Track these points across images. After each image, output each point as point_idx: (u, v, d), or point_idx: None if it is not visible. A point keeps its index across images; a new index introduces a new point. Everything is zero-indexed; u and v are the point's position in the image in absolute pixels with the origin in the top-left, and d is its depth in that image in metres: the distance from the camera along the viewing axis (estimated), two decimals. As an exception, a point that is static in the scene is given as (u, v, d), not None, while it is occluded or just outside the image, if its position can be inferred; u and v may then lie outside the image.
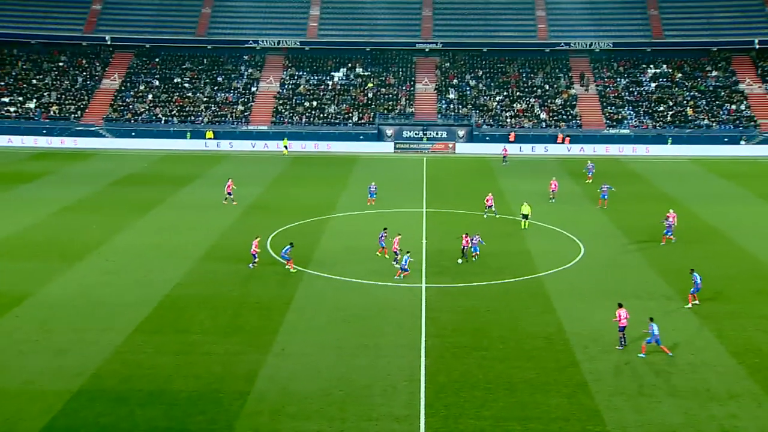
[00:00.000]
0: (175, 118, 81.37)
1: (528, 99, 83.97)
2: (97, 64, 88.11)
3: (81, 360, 27.06)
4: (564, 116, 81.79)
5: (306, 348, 28.51)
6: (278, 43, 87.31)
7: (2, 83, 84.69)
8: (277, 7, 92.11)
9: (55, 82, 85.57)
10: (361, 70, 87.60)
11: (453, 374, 26.40)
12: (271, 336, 29.46)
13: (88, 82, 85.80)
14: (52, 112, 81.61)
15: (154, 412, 23.61)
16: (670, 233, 42.56)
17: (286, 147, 75.45)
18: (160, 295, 33.70)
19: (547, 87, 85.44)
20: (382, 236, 39.75)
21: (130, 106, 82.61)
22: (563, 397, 24.93)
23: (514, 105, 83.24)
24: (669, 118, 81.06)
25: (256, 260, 37.28)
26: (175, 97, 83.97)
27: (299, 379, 25.93)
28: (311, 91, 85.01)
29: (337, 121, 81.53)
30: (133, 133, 78.87)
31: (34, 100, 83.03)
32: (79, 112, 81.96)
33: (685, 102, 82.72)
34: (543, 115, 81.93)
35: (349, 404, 24.30)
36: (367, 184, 52.87)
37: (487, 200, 48.32)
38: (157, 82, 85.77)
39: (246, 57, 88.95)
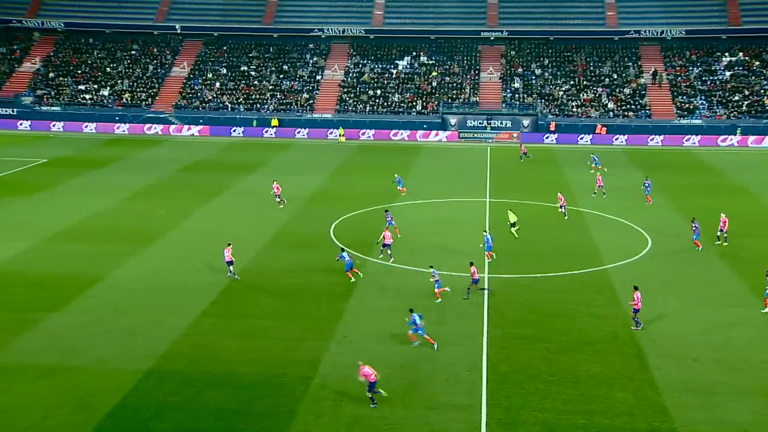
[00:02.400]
0: (241, 106, 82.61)
1: (595, 88, 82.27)
2: (168, 52, 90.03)
3: (151, 341, 27.84)
4: (633, 106, 79.87)
5: (368, 335, 28.68)
6: (343, 31, 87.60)
7: (79, 71, 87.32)
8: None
9: (127, 70, 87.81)
10: (425, 58, 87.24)
11: (515, 365, 26.19)
12: (334, 323, 29.73)
13: (159, 70, 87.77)
14: (124, 100, 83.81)
15: (220, 393, 24.12)
16: (697, 237, 39.18)
17: (341, 135, 76.05)
18: (226, 280, 34.32)
19: (615, 76, 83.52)
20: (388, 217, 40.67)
21: (199, 94, 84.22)
22: (629, 391, 24.47)
23: (581, 94, 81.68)
24: (744, 107, 78.28)
25: (233, 271, 33.90)
26: (242, 85, 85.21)
27: (361, 365, 26.11)
28: (375, 80, 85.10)
29: (400, 109, 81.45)
30: (201, 120, 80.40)
31: (108, 88, 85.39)
32: (150, 99, 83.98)
33: (762, 91, 79.71)
34: (610, 105, 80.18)
35: (411, 392, 24.37)
36: (431, 173, 52.71)
37: (560, 199, 46.63)
38: (224, 70, 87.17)
39: (311, 45, 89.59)
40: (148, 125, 79.64)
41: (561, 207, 45.51)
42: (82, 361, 26.22)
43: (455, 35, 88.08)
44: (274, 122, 79.48)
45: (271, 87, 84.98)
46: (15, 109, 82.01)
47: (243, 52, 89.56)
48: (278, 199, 47.70)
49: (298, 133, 78.22)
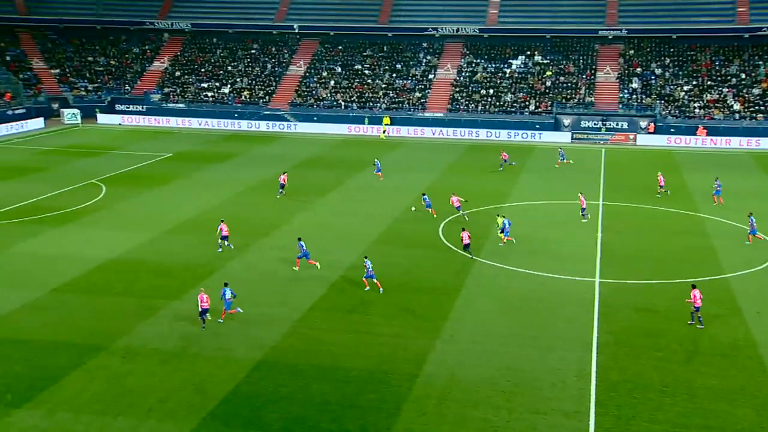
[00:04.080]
0: (354, 104, 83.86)
1: (720, 89, 78.33)
2: (285, 51, 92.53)
3: (263, 332, 28.70)
4: (762, 107, 75.53)
5: (475, 336, 28.49)
6: (457, 30, 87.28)
7: (202, 70, 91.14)
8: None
9: (247, 69, 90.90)
10: (539, 57, 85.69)
11: (626, 373, 25.34)
12: (441, 321, 29.70)
13: (277, 69, 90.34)
14: (243, 97, 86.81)
15: (327, 386, 24.58)
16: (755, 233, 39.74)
17: (384, 131, 76.68)
18: (335, 275, 34.92)
19: (743, 76, 79.22)
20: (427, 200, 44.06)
21: (314, 92, 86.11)
22: (750, 408, 23.18)
23: (704, 95, 77.99)
24: None
25: (207, 317, 29.09)
26: (355, 84, 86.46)
27: (467, 366, 25.97)
28: (488, 79, 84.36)
29: (513, 109, 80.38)
30: (315, 118, 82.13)
31: (229, 86, 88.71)
32: (267, 97, 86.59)
33: None
34: (737, 106, 76.13)
35: (517, 395, 24.02)
36: (542, 175, 51.75)
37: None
38: (339, 69, 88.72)
39: (425, 44, 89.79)
40: (265, 122, 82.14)
41: (582, 210, 44.38)
42: (200, 348, 27.33)
43: (571, 34, 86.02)
44: (386, 120, 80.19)
45: (383, 86, 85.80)
46: (144, 106, 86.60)
47: (357, 51, 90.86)
48: (282, 192, 49.94)
49: (409, 131, 78.62)
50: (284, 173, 51.36)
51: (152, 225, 43.09)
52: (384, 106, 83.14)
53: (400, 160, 65.28)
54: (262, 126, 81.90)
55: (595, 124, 76.41)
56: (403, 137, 77.64)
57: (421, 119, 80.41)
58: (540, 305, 31.27)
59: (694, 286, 29.36)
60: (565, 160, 61.52)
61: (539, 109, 79.62)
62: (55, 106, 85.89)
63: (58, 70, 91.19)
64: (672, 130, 74.32)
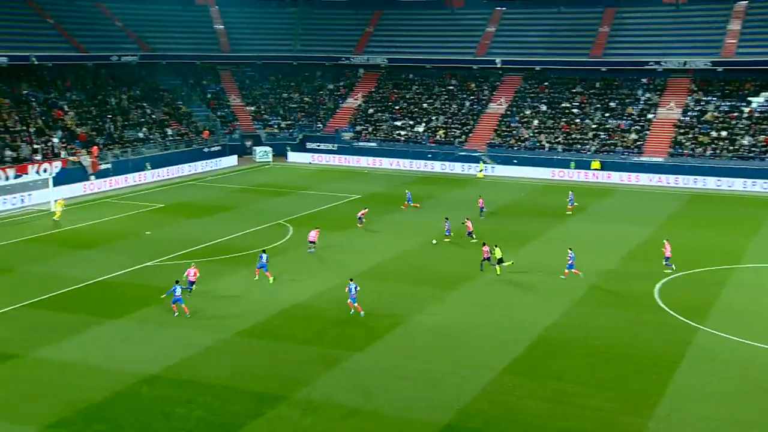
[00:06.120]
0: (559, 146, 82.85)
1: None
2: (486, 87, 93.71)
3: (450, 393, 28.76)
4: None
5: (696, 418, 26.78)
6: (685, 63, 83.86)
7: (396, 107, 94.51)
8: (688, 23, 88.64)
9: (443, 106, 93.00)
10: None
11: None
12: (655, 398, 28.24)
13: (475, 106, 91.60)
14: (438, 137, 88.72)
15: (519, 461, 24.09)
16: None
17: (482, 170, 78.41)
18: (533, 335, 34.39)
19: None
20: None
21: (514, 132, 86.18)
22: None
23: None
24: None
25: (193, 288, 39.60)
26: (562, 123, 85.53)
27: (686, 453, 24.42)
28: (720, 119, 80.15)
29: (751, 155, 75.58)
30: (515, 161, 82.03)
31: (423, 124, 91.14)
32: (463, 136, 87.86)
33: None
34: None
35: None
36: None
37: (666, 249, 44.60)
38: (544, 107, 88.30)
39: (644, 80, 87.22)
40: (459, 163, 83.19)
41: (665, 260, 43.63)
42: (382, 406, 27.87)
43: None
44: (595, 165, 78.41)
45: (594, 126, 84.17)
46: (335, 144, 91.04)
47: (566, 87, 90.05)
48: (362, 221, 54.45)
49: (622, 178, 76.29)
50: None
51: (340, 270, 44.85)
52: (594, 148, 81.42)
53: (610, 209, 63.54)
54: (457, 168, 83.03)
55: None
56: (614, 183, 75.44)
57: (637, 164, 77.79)
58: (779, 388, 28.85)
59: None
60: (572, 204, 60.01)
61: (783, 155, 74.36)
62: (249, 143, 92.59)
63: (253, 107, 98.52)
64: None
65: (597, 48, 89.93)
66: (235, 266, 45.79)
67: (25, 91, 77.99)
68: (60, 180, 66.05)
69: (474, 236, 50.75)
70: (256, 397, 28.55)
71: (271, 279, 41.63)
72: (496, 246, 44.60)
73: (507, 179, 79.05)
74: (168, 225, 56.17)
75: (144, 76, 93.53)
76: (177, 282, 37.25)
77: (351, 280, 37.80)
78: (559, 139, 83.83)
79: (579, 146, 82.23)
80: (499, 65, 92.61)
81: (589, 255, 47.45)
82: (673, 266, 44.14)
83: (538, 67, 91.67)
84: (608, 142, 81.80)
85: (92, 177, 71.50)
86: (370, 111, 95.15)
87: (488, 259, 44.11)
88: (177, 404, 27.95)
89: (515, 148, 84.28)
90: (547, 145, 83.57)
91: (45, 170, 66.50)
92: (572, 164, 79.63)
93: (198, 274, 40.20)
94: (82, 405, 27.73)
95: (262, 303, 38.86)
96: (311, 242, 48.79)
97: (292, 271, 44.82)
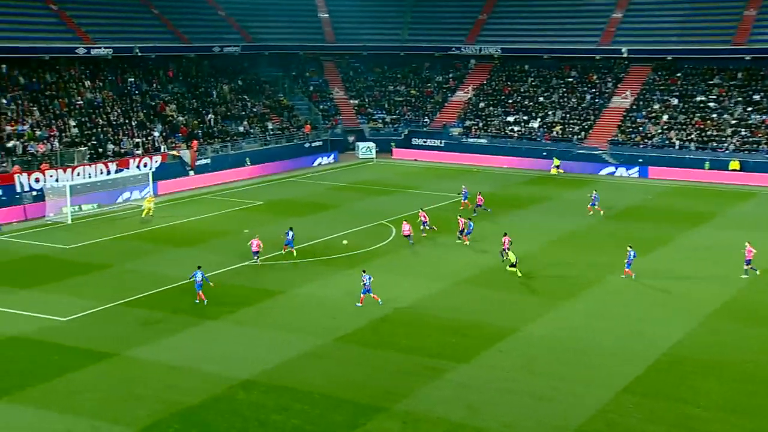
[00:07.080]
0: (692, 144, 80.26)
1: None
2: (609, 79, 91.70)
3: (562, 412, 28.38)
4: None
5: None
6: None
7: (509, 101, 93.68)
8: None
9: (561, 100, 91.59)
10: None
11: None
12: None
13: (597, 100, 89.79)
14: (554, 133, 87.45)
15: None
16: None
17: (557, 166, 78.31)
18: (657, 352, 33.54)
19: None
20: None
21: (641, 128, 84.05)
22: None
23: None
24: None
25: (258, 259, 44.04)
26: (696, 119, 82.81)
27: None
28: None
29: None
30: (641, 160, 79.98)
31: (539, 120, 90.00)
32: (582, 133, 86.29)
33: None
34: None
35: None
36: None
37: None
38: (675, 101, 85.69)
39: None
40: (578, 162, 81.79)
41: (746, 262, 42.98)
42: (487, 423, 27.72)
43: None
44: (734, 165, 75.65)
45: (734, 121, 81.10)
46: (443, 141, 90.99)
47: (701, 78, 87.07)
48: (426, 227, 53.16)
49: (765, 179, 73.32)
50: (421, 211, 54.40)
51: (445, 274, 44.90)
52: (732, 146, 78.47)
53: (751, 214, 61.39)
54: (575, 167, 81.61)
55: None
56: (755, 187, 72.54)
57: (784, 164, 74.64)
58: None
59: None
60: (596, 206, 59.88)
61: None
62: (351, 138, 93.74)
63: (357, 101, 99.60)
64: None
65: (741, 34, 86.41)
66: (335, 268, 46.47)
67: (128, 83, 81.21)
68: (159, 175, 68.72)
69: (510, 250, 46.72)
70: (354, 406, 28.91)
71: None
72: (509, 249, 45.88)
73: (631, 180, 77.21)
74: (266, 223, 57.48)
75: (246, 67, 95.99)
76: (199, 267, 40.22)
77: (364, 271, 39.58)
78: (692, 136, 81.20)
79: (715, 144, 79.46)
80: (625, 54, 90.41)
81: (724, 265, 45.91)
82: (758, 272, 43.42)
83: (669, 57, 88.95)
84: (750, 139, 78.70)
85: (191, 172, 74.00)
86: (481, 105, 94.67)
87: (408, 236, 49.85)
88: (273, 411, 28.61)
89: (641, 146, 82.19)
90: (677, 142, 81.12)
91: (145, 165, 69.27)
92: (706, 164, 77.08)
93: (261, 246, 45.34)
94: (177, 407, 28.74)
95: (363, 307, 39.28)
96: (406, 236, 50.81)
97: (394, 272, 45.14)
